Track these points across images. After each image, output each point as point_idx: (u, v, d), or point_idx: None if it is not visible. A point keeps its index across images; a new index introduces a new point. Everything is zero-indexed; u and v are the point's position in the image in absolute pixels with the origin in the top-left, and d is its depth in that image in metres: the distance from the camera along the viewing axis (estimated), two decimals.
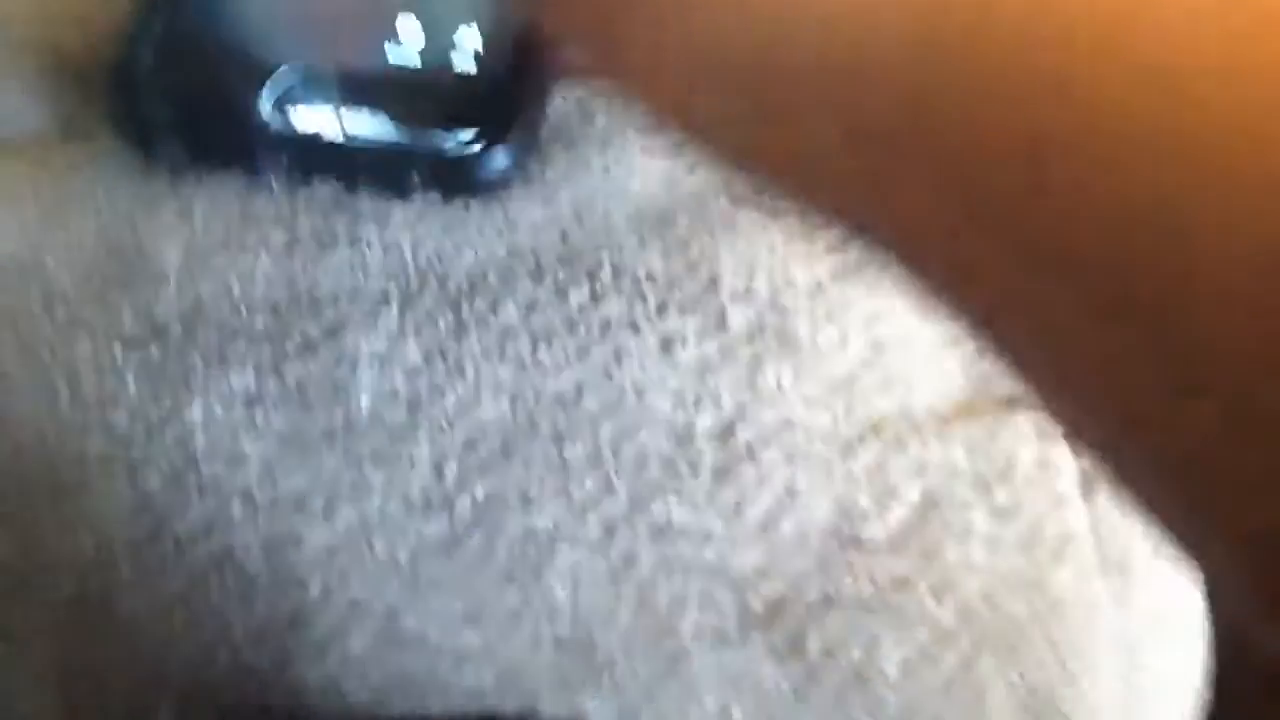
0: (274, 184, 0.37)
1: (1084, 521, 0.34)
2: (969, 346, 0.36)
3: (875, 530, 0.33)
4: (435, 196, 0.36)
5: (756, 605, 0.32)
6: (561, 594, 0.31)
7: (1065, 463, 0.35)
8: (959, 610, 0.32)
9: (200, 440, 0.33)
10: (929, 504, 0.33)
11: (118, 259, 0.36)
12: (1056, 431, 0.36)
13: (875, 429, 0.34)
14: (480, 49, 0.37)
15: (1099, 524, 0.34)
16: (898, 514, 0.33)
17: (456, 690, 0.31)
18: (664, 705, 0.31)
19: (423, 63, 0.37)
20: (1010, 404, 0.36)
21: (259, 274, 0.36)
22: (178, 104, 0.36)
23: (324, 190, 0.37)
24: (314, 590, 0.32)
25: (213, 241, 0.36)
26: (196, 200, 0.37)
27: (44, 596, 0.31)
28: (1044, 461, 0.35)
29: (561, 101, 0.39)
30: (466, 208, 0.36)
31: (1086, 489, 0.35)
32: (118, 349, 0.35)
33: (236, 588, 0.31)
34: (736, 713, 0.31)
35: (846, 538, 0.32)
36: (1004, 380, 0.37)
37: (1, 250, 0.37)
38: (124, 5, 0.39)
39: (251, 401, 0.34)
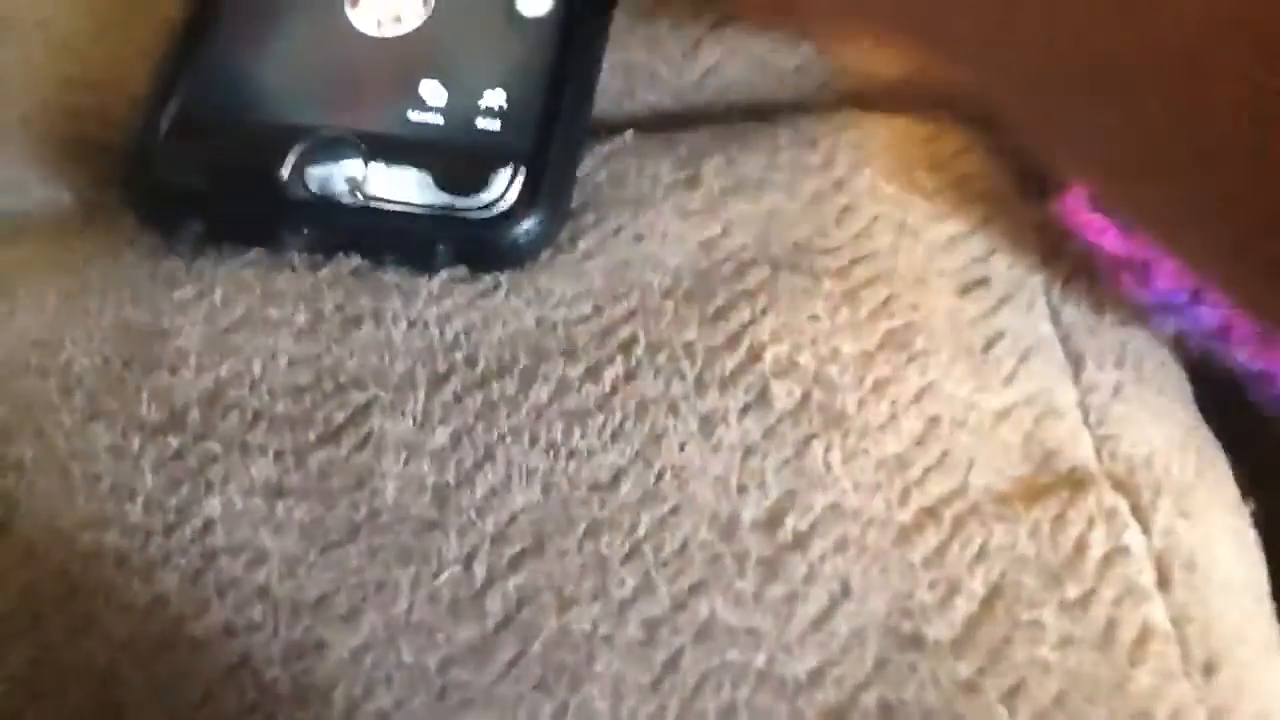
0: (296, 260, 0.35)
1: (1163, 617, 0.31)
2: (1027, 419, 0.34)
3: (937, 629, 0.30)
4: (463, 270, 0.35)
5: (810, 715, 0.29)
6: (601, 704, 0.29)
7: (1138, 546, 0.32)
8: (1033, 718, 0.30)
9: (220, 535, 0.32)
10: (994, 596, 0.31)
11: (137, 342, 0.35)
12: (1127, 512, 0.34)
13: (932, 514, 0.32)
14: (505, 109, 0.35)
15: (1181, 616, 0.31)
16: (961, 609, 0.30)
17: None
18: None
19: (446, 126, 0.35)
20: (1075, 483, 0.33)
21: (281, 354, 0.34)
22: (195, 177, 0.35)
23: (348, 265, 0.35)
24: (338, 702, 0.29)
25: (233, 320, 0.34)
26: (217, 279, 0.35)
27: (54, 711, 0.29)
28: (1116, 548, 0.32)
29: (591, 164, 0.37)
30: (495, 281, 0.35)
31: (1163, 577, 0.32)
32: (135, 438, 0.33)
33: (255, 700, 0.30)
34: None
35: (906, 637, 0.30)
36: (1068, 453, 0.35)
37: (20, 335, 0.35)
38: (141, 70, 0.38)
39: (274, 493, 0.32)
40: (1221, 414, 0.38)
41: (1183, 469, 0.34)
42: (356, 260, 0.35)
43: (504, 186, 0.33)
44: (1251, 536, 0.36)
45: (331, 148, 0.34)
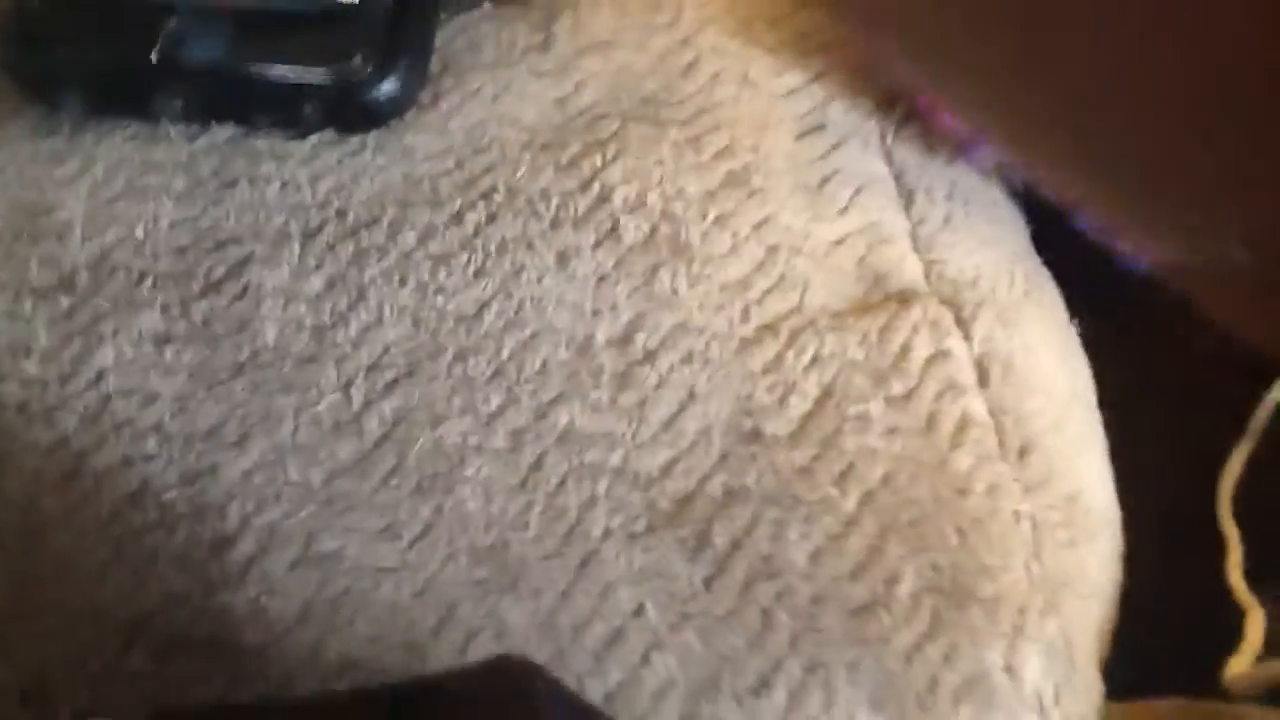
0: (172, 131, 0.38)
1: (982, 408, 0.35)
2: (860, 246, 0.38)
3: (775, 425, 0.34)
4: (331, 133, 0.38)
5: (663, 503, 0.33)
6: (473, 505, 0.33)
7: (960, 352, 0.37)
8: (862, 497, 0.34)
9: (113, 381, 0.35)
10: (826, 396, 0.35)
11: (25, 217, 0.37)
12: (950, 322, 0.38)
13: (771, 328, 0.36)
14: None
15: (997, 410, 0.36)
16: (796, 408, 0.34)
17: (376, 605, 0.33)
18: (580, 605, 0.33)
19: None
20: (903, 299, 0.37)
21: (162, 219, 0.37)
22: (72, 53, 0.38)
23: (222, 133, 0.38)
24: (232, 517, 0.33)
25: (115, 191, 0.37)
26: (98, 154, 0.38)
27: None
28: (939, 352, 0.36)
29: (451, 32, 0.40)
30: (362, 142, 0.38)
31: (982, 376, 0.37)
32: (28, 301, 0.36)
33: (158, 519, 0.33)
34: (650, 607, 0.33)
35: (748, 433, 0.34)
36: (899, 275, 0.39)
37: None
38: None
39: (161, 341, 0.35)
40: (1060, 246, 0.42)
41: (1009, 290, 0.39)
42: (230, 129, 0.37)
43: (362, 51, 0.36)
44: (1075, 348, 0.40)
45: (201, 20, 0.36)
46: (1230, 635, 0.44)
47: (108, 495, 0.33)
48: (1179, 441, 0.47)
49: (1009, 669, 0.33)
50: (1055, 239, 0.43)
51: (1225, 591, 0.46)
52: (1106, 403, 0.41)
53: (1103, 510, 0.37)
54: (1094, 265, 0.45)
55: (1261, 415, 0.50)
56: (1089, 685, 0.36)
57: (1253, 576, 0.47)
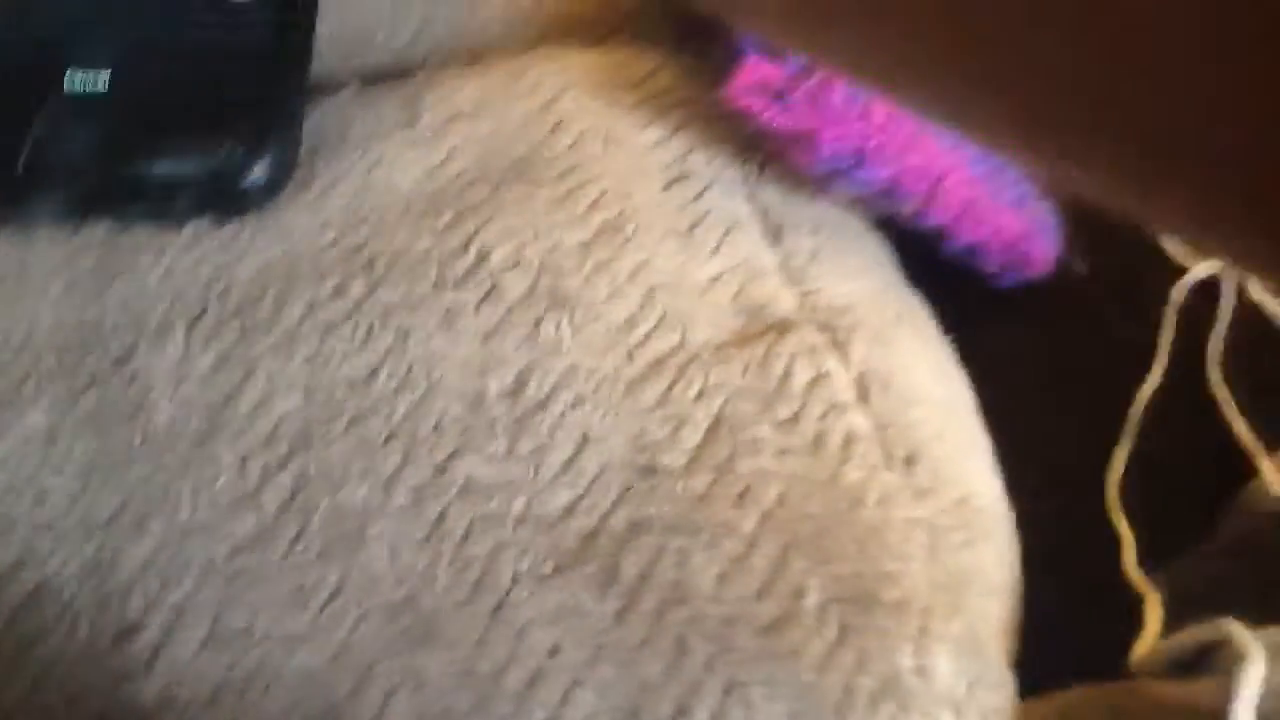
0: (49, 232, 0.38)
1: (865, 423, 0.37)
2: (734, 283, 0.39)
3: (670, 456, 0.35)
4: (207, 223, 0.39)
5: (569, 542, 0.34)
6: (380, 564, 0.33)
7: (838, 372, 0.38)
8: (760, 518, 0.35)
9: (1, 481, 0.34)
10: (716, 425, 0.36)
11: None
12: (827, 345, 0.39)
13: (657, 366, 0.37)
14: (229, 82, 0.39)
15: (880, 425, 0.37)
16: (689, 439, 0.36)
17: (291, 675, 0.33)
18: (497, 650, 0.33)
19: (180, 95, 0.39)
20: (781, 329, 0.39)
21: (42, 319, 0.37)
22: None
23: (99, 229, 0.39)
24: (135, 603, 0.33)
25: None
26: None
27: None
28: (819, 375, 0.38)
29: (319, 117, 0.41)
30: (240, 225, 0.39)
31: (862, 394, 0.38)
32: None
33: (57, 615, 0.33)
34: (567, 645, 0.33)
35: (644, 467, 0.35)
36: (774, 307, 0.40)
37: None
38: None
39: (49, 438, 0.35)
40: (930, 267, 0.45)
41: (881, 314, 0.41)
42: (107, 224, 0.38)
43: (231, 139, 0.37)
44: (950, 363, 0.42)
45: (70, 120, 0.37)
46: (1129, 627, 0.45)
47: (4, 601, 0.32)
48: (1058, 446, 0.50)
49: (920, 670, 0.34)
50: (921, 264, 0.46)
51: (1119, 586, 0.48)
52: (985, 414, 0.43)
53: (994, 511, 0.39)
54: (962, 284, 0.47)
55: (1135, 414, 0.53)
56: (1001, 681, 0.37)
57: (1145, 568, 0.49)
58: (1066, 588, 0.44)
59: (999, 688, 0.37)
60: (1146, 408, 0.53)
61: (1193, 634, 0.41)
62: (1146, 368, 0.53)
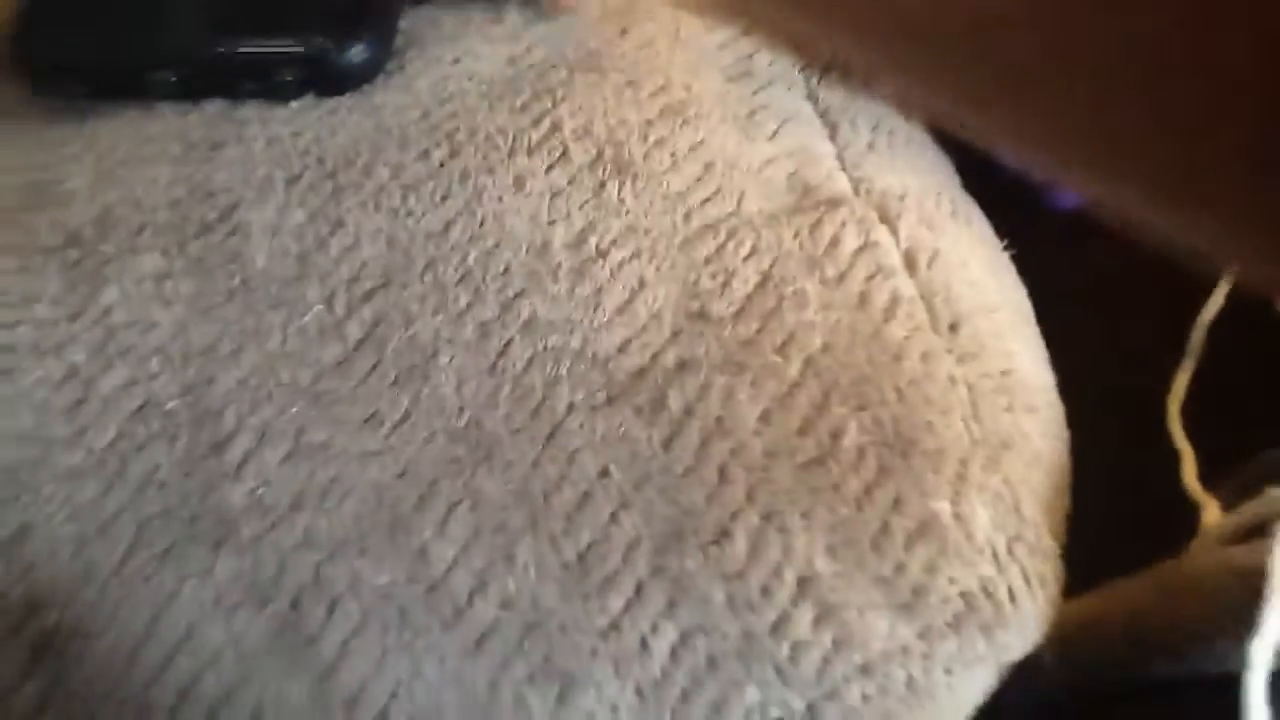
0: (167, 110, 0.42)
1: (911, 289, 0.38)
2: (789, 164, 0.41)
3: (720, 305, 0.37)
4: (310, 98, 0.42)
5: (620, 376, 0.36)
6: (447, 390, 0.36)
7: (887, 242, 0.40)
8: (804, 363, 0.37)
9: (118, 315, 0.38)
10: (765, 281, 0.38)
11: (33, 190, 0.41)
12: (877, 220, 0.41)
13: (711, 228, 0.39)
14: None
15: (926, 291, 0.39)
16: (738, 290, 0.38)
17: (363, 487, 0.35)
18: (549, 472, 0.35)
19: None
20: (833, 204, 0.41)
21: (160, 179, 0.41)
22: (73, 47, 0.42)
23: (212, 107, 0.42)
24: (229, 420, 0.36)
25: (116, 161, 0.41)
26: (100, 132, 0.42)
27: None
28: (867, 243, 0.40)
29: (413, 17, 0.45)
30: (338, 103, 0.42)
31: (910, 263, 0.40)
32: (38, 258, 0.40)
33: (160, 429, 0.36)
34: (615, 470, 0.35)
35: (695, 313, 0.37)
36: (827, 187, 0.42)
37: None
38: None
39: (160, 278, 0.38)
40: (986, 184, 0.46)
41: (936, 207, 0.42)
42: (219, 103, 0.41)
43: (333, 23, 0.41)
44: (1004, 263, 0.43)
45: (187, 14, 0.41)
46: (1182, 539, 0.46)
47: (114, 415, 0.36)
48: (1117, 357, 0.50)
49: (958, 515, 0.36)
50: (981, 178, 0.47)
51: (1179, 503, 0.49)
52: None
53: (1039, 386, 0.40)
54: (1021, 200, 0.48)
55: (1198, 336, 0.53)
56: (1045, 549, 0.38)
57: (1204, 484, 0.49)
58: (1118, 496, 0.45)
59: (1043, 555, 0.38)
60: (1209, 330, 0.53)
61: (1251, 509, 0.41)
62: (1206, 290, 0.54)
